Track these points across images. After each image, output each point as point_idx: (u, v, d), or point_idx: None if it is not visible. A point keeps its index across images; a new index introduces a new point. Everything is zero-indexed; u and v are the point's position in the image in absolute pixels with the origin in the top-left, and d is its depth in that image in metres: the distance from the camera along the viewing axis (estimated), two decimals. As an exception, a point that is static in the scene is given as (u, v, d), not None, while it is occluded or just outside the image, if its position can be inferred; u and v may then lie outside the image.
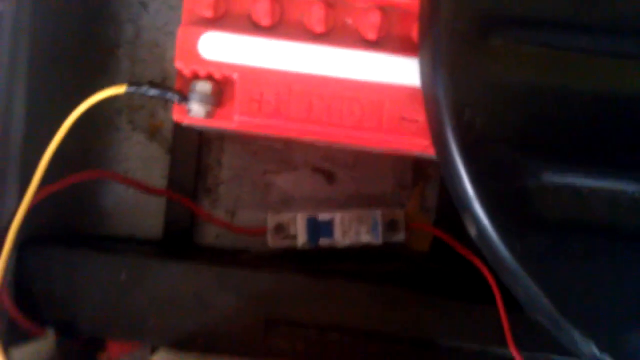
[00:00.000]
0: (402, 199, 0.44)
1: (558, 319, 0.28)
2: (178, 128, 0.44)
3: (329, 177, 0.44)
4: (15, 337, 0.36)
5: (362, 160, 0.44)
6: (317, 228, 0.39)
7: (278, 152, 0.44)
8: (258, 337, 0.37)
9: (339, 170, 0.44)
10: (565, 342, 0.28)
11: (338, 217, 0.39)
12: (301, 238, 0.40)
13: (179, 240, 0.45)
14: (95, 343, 0.41)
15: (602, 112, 0.26)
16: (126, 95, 0.44)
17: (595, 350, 0.28)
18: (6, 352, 0.34)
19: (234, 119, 0.31)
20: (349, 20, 0.30)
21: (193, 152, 0.44)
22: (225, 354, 0.37)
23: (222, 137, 0.45)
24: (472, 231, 0.28)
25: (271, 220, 0.41)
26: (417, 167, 0.44)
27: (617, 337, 0.28)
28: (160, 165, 0.45)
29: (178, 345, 0.38)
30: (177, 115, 0.32)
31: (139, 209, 0.46)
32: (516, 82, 0.26)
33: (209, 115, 0.31)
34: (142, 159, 0.45)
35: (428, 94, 0.27)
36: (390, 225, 0.40)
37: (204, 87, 0.30)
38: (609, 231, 0.27)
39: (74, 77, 0.42)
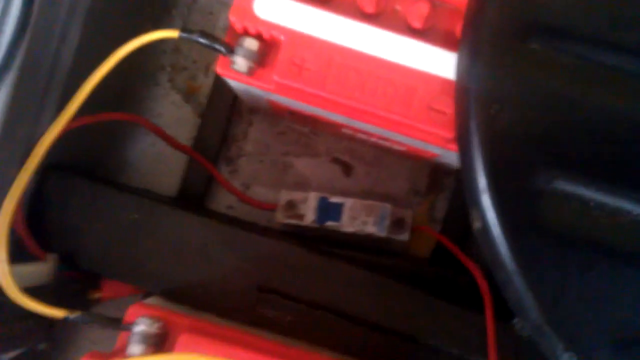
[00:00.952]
0: (414, 204, 0.45)
1: (543, 325, 0.28)
2: (214, 94, 0.46)
3: (347, 169, 0.46)
4: (18, 255, 0.37)
5: (381, 159, 0.45)
6: (326, 209, 0.40)
7: (303, 136, 0.46)
8: (250, 301, 0.38)
9: (358, 164, 0.45)
10: (547, 350, 0.29)
11: (349, 203, 0.40)
12: (309, 216, 0.41)
13: (192, 202, 0.46)
14: (91, 280, 0.42)
15: (624, 131, 0.27)
16: (174, 52, 0.47)
17: (575, 364, 0.28)
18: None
19: (273, 80, 0.33)
20: (399, 7, 0.32)
21: (223, 120, 0.46)
22: (215, 313, 0.38)
23: (252, 111, 0.46)
24: (477, 224, 0.29)
25: (284, 196, 0.42)
26: (433, 176, 0.45)
27: (600, 354, 0.28)
28: (189, 127, 0.47)
29: (172, 295, 0.38)
30: (220, 68, 0.34)
31: (159, 165, 0.47)
32: (546, 88, 0.27)
33: (251, 71, 0.33)
34: (173, 118, 0.47)
35: (461, 84, 0.29)
36: (397, 223, 0.41)
37: (251, 43, 0.32)
38: (608, 248, 0.28)
39: (128, 26, 0.44)
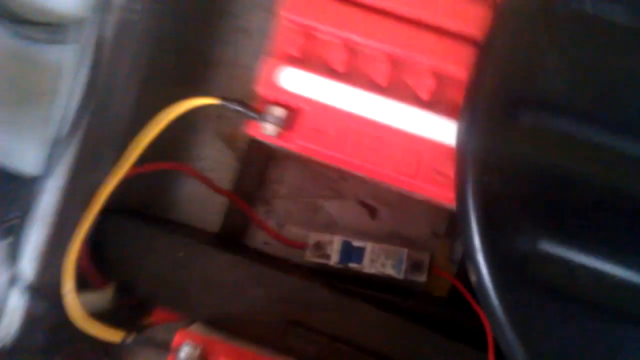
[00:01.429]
0: (433, 246, 0.48)
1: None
2: (253, 142, 0.51)
3: (372, 212, 0.49)
4: (82, 284, 0.43)
5: (404, 203, 0.49)
6: (349, 252, 0.44)
7: (332, 181, 0.50)
8: (279, 332, 0.42)
9: (382, 208, 0.49)
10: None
11: (369, 247, 0.44)
12: (334, 257, 0.45)
13: (232, 238, 0.51)
14: (144, 307, 0.47)
15: (605, 202, 0.30)
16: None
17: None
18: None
19: (297, 142, 0.37)
20: (409, 81, 0.36)
21: (261, 165, 0.51)
22: (249, 340, 0.43)
23: (287, 158, 0.51)
24: (473, 278, 0.33)
25: (313, 238, 0.47)
26: (452, 220, 0.48)
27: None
28: (230, 170, 0.52)
29: (212, 323, 0.44)
30: (251, 131, 0.39)
31: (204, 204, 0.52)
32: (535, 159, 0.31)
33: (278, 134, 0.37)
34: (216, 162, 0.52)
35: (460, 152, 0.32)
36: (415, 266, 0.45)
37: (278, 112, 0.37)
38: (588, 306, 0.31)
39: (178, 84, 0.49)
